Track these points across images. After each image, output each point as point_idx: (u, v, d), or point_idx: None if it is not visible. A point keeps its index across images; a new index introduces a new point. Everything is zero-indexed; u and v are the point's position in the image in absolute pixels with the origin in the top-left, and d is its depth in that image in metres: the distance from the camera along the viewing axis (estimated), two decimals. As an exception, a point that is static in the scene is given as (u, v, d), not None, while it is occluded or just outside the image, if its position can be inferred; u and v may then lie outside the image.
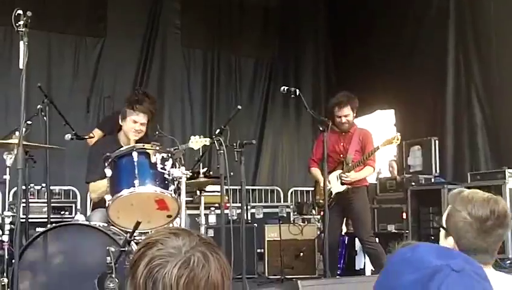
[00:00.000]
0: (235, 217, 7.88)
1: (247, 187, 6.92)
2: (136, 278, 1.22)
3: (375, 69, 9.20)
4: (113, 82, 8.52)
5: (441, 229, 2.11)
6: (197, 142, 5.52)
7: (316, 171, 6.21)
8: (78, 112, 7.73)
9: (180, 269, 1.20)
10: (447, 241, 2.06)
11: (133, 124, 4.84)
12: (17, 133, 4.31)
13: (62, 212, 6.50)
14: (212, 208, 7.22)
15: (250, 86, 9.83)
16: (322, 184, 5.89)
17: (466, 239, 2.00)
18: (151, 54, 9.01)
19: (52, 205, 6.35)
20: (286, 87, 5.24)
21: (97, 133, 6.50)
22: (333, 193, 5.88)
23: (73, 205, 6.71)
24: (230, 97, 9.57)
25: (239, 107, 4.78)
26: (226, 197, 7.71)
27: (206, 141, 5.56)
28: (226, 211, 7.71)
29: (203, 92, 9.38)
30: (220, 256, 1.27)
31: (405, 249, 1.25)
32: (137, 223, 3.59)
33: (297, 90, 5.19)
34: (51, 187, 6.43)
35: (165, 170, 4.15)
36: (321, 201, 6.28)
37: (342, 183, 5.82)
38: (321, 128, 5.29)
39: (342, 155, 5.92)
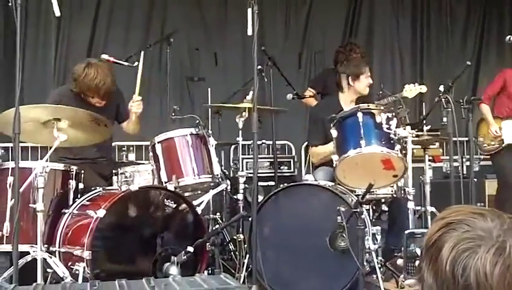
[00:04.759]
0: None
1: (460, 139, 6.64)
2: (439, 262, 1.14)
3: None
4: (322, 36, 8.49)
5: None
6: (411, 90, 5.40)
7: (486, 109, 5.94)
8: (290, 68, 7.83)
9: (494, 255, 1.09)
10: None
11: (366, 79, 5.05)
12: (247, 97, 4.59)
13: (281, 167, 6.73)
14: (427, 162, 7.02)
15: (463, 29, 9.16)
16: (490, 128, 5.75)
17: None
18: (359, 3, 8.79)
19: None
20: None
21: (311, 92, 6.65)
22: (504, 143, 5.72)
23: (291, 160, 6.90)
24: (441, 41, 9.04)
25: (468, 63, 4.55)
26: (440, 150, 7.49)
27: (422, 89, 5.41)
28: (440, 164, 7.51)
29: (413, 38, 8.96)
30: None
31: None
32: (370, 186, 3.65)
33: None
34: (268, 142, 6.72)
35: (391, 129, 4.13)
36: (485, 145, 6.03)
37: None
38: None
39: None
